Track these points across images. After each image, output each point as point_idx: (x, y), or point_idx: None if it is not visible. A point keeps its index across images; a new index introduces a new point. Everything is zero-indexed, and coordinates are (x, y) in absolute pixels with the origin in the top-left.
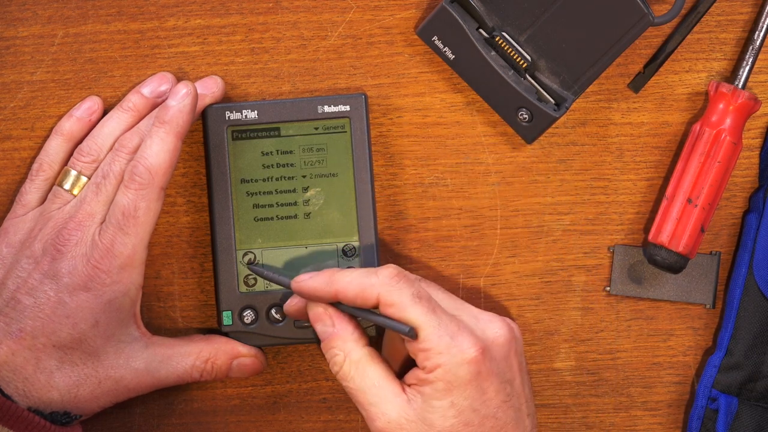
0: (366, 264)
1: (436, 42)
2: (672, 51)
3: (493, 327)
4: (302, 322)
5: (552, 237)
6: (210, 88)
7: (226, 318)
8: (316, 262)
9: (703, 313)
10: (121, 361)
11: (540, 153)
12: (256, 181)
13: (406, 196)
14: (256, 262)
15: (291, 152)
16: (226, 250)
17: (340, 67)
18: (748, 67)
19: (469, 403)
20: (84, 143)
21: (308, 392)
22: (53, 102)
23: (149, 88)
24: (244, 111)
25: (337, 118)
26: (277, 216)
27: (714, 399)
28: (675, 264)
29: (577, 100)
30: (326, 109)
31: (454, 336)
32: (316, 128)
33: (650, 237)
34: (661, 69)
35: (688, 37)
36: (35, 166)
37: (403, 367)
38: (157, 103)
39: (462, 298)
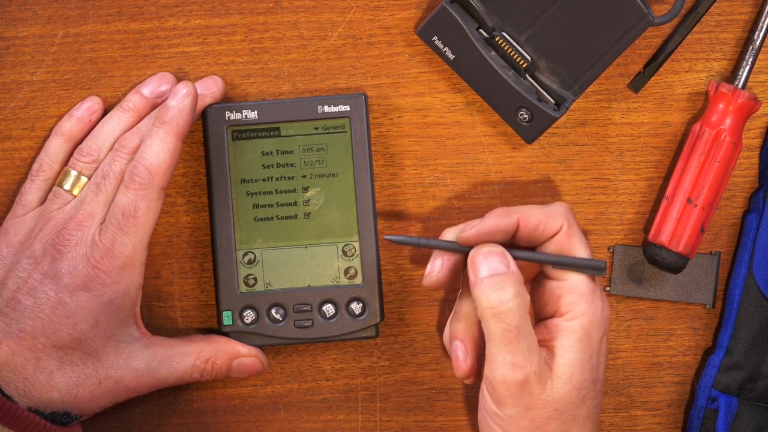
0: (366, 264)
1: (436, 42)
2: (672, 51)
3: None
4: (302, 321)
5: None
6: (210, 88)
7: (226, 318)
8: (316, 262)
9: (703, 313)
10: (121, 361)
11: (540, 153)
12: (256, 181)
13: (406, 196)
14: (256, 261)
15: (291, 152)
16: (226, 250)
17: (340, 67)
18: (748, 67)
19: (596, 361)
20: (84, 143)
21: (308, 392)
22: (53, 102)
23: (149, 88)
24: (244, 111)
25: (337, 118)
26: (277, 216)
27: (714, 399)
28: (675, 264)
29: (577, 100)
30: (326, 109)
31: (601, 292)
32: (316, 128)
33: (650, 237)
34: (661, 69)
35: (688, 37)
36: (35, 166)
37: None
38: (157, 103)
39: None
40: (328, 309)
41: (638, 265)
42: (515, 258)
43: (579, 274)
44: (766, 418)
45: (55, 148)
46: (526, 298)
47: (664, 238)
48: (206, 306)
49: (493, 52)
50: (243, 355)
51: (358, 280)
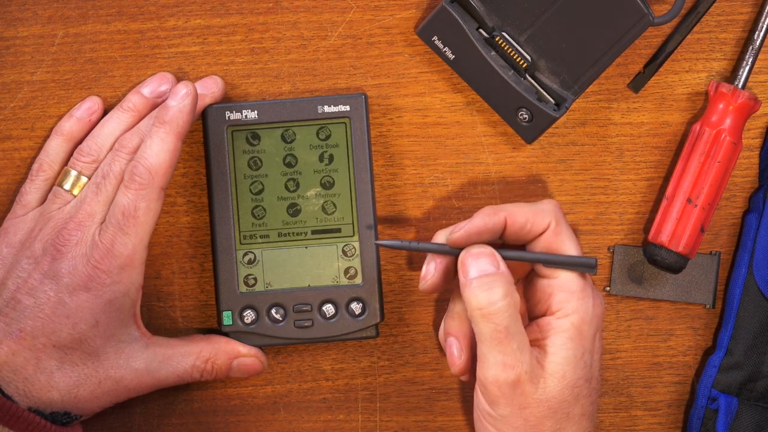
0: (366, 264)
1: (436, 42)
2: (672, 51)
3: (600, 294)
4: (302, 321)
5: None
6: (210, 88)
7: (226, 318)
8: (316, 262)
9: (703, 313)
10: (121, 361)
11: (540, 153)
12: (256, 181)
13: (406, 196)
14: (256, 261)
15: (291, 152)
16: (226, 250)
17: (340, 67)
18: (748, 67)
19: (589, 358)
20: (84, 143)
21: (308, 392)
22: (53, 102)
23: (149, 88)
24: (244, 111)
25: (337, 118)
26: (277, 216)
27: (714, 399)
28: (675, 264)
29: (577, 100)
30: (326, 109)
31: (591, 289)
32: (316, 128)
33: (650, 237)
34: (661, 69)
35: (688, 37)
36: (35, 166)
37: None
38: (157, 103)
39: None
40: (328, 309)
41: (638, 265)
42: (505, 258)
43: (569, 271)
44: (766, 418)
45: (55, 148)
46: (516, 297)
47: (664, 238)
48: (206, 306)
49: (493, 52)
50: (243, 355)
51: (358, 280)
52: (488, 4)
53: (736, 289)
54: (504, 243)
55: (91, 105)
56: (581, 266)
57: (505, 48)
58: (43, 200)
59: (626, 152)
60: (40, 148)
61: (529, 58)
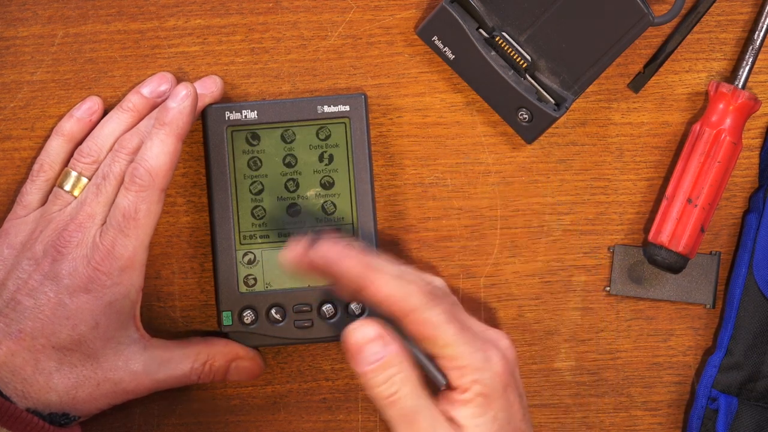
0: None
1: (436, 42)
2: (672, 51)
3: (503, 341)
4: (302, 321)
5: (552, 237)
6: (209, 88)
7: (226, 318)
8: None
9: (703, 313)
10: (120, 363)
11: (540, 153)
12: (256, 181)
13: (406, 196)
14: (256, 261)
15: (291, 152)
16: (226, 250)
17: (340, 67)
18: (748, 67)
19: (504, 415)
20: (84, 144)
21: (308, 392)
22: (53, 102)
23: (149, 88)
24: (244, 111)
25: (337, 118)
26: (277, 216)
27: (714, 399)
28: (675, 264)
29: (577, 100)
30: (326, 109)
31: (484, 351)
32: (316, 128)
33: (650, 237)
34: (661, 69)
35: (688, 37)
36: (36, 166)
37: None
38: (157, 103)
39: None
40: (328, 309)
41: (638, 265)
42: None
43: (456, 345)
44: (766, 418)
45: (55, 148)
46: (413, 374)
47: (664, 238)
48: (206, 306)
49: (493, 52)
50: (241, 356)
51: None
52: (488, 4)
53: (736, 289)
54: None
55: (91, 105)
56: (433, 377)
57: (505, 48)
58: (44, 201)
59: (626, 152)
60: (40, 148)
61: (529, 58)
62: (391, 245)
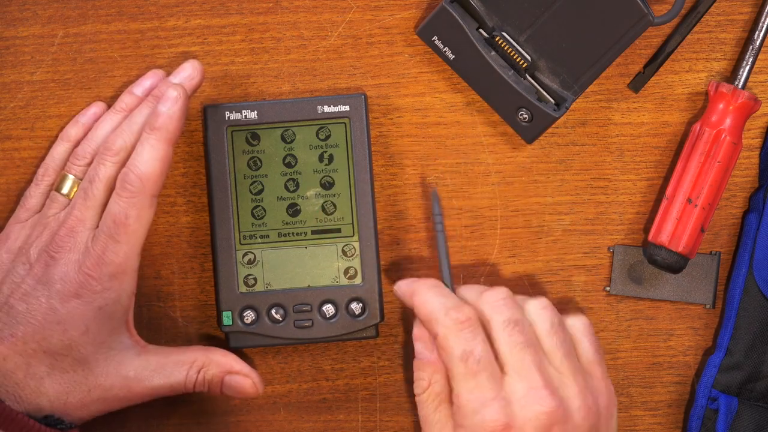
0: (366, 264)
1: (436, 42)
2: (672, 51)
3: (537, 407)
4: (302, 321)
5: (552, 237)
6: (190, 75)
7: (226, 318)
8: (315, 262)
9: (703, 313)
10: (111, 369)
11: (540, 153)
12: (256, 181)
13: (406, 196)
14: (255, 261)
15: (291, 152)
16: (226, 250)
17: (340, 67)
18: (748, 67)
19: None
20: (79, 147)
21: (308, 392)
22: (53, 102)
23: (141, 87)
24: (244, 111)
25: (337, 118)
26: (276, 216)
27: (714, 399)
28: (675, 264)
29: (577, 100)
30: (326, 109)
31: (483, 404)
32: (316, 128)
33: (650, 237)
34: (661, 69)
35: (688, 37)
36: (41, 171)
37: None
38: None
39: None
40: (328, 309)
41: (638, 265)
42: None
43: None
44: (766, 418)
45: (60, 153)
46: (438, 387)
47: (664, 238)
48: (206, 306)
49: (493, 52)
50: (236, 371)
51: (358, 280)
52: (488, 4)
53: (736, 289)
54: None
55: (96, 111)
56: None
57: (505, 48)
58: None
59: (626, 152)
60: (41, 148)
61: (529, 58)
62: (391, 245)
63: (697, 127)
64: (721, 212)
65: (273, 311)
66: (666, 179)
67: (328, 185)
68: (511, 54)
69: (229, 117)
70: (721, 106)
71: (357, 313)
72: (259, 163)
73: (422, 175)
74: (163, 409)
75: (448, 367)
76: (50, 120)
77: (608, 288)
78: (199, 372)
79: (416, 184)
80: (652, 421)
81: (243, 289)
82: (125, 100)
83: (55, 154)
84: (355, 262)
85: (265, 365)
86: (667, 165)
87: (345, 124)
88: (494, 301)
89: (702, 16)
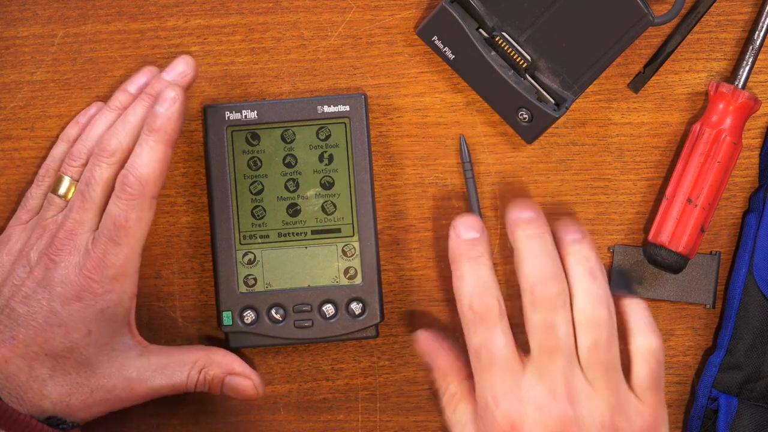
0: (366, 264)
1: (436, 42)
2: (672, 51)
3: (552, 412)
4: (302, 321)
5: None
6: (182, 72)
7: (226, 318)
8: (315, 262)
9: (703, 313)
10: (114, 370)
11: (540, 153)
12: (256, 181)
13: (406, 196)
14: (255, 261)
15: (291, 152)
16: (226, 250)
17: (340, 67)
18: (748, 67)
19: None
20: (74, 147)
21: (308, 392)
22: (53, 102)
23: (135, 84)
24: (244, 111)
25: (337, 118)
26: (276, 216)
27: (714, 399)
28: (675, 264)
29: (577, 100)
30: (326, 109)
31: (496, 400)
32: (316, 128)
33: (650, 237)
34: (661, 69)
35: (688, 37)
36: (41, 171)
37: None
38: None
39: None
40: (328, 309)
41: (638, 265)
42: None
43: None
44: (767, 418)
45: (60, 154)
46: (453, 387)
47: (664, 238)
48: (206, 306)
49: (493, 52)
50: (236, 372)
51: (358, 280)
52: (488, 4)
53: (736, 289)
54: None
55: (95, 111)
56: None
57: (505, 48)
58: None
59: (626, 152)
60: (41, 148)
61: (529, 58)
62: (391, 245)
63: (697, 127)
64: (721, 212)
65: (273, 311)
66: (666, 179)
67: (328, 185)
68: (511, 54)
69: (229, 117)
70: (721, 106)
71: (357, 313)
72: (259, 163)
73: (422, 174)
74: (163, 409)
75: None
76: (50, 120)
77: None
78: (200, 372)
79: (416, 184)
80: None
81: (243, 289)
82: (119, 98)
83: (55, 154)
84: (355, 262)
85: (265, 365)
86: (667, 165)
87: (345, 124)
88: (542, 292)
89: (702, 16)
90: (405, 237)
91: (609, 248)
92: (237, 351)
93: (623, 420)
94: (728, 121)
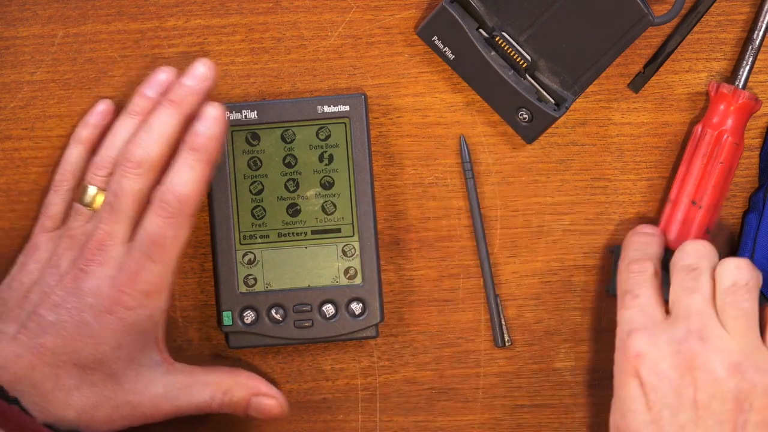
0: (366, 264)
1: (436, 42)
2: (672, 51)
3: (680, 347)
4: (302, 321)
5: (552, 237)
6: (202, 77)
7: (226, 318)
8: (315, 262)
9: None
10: (140, 386)
11: (540, 153)
12: (256, 181)
13: (406, 196)
14: (255, 261)
15: (291, 152)
16: (226, 250)
17: (340, 67)
18: (748, 67)
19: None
20: (97, 156)
21: (308, 392)
22: (53, 102)
23: (153, 88)
24: (244, 111)
25: (337, 118)
26: (276, 216)
27: None
28: None
29: (577, 100)
30: (326, 109)
31: (630, 333)
32: (316, 128)
33: None
34: (661, 69)
35: (688, 37)
36: (58, 177)
37: None
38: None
39: (462, 299)
40: (328, 309)
41: None
42: None
43: None
44: None
45: (75, 156)
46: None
47: (669, 240)
48: (206, 306)
49: (493, 52)
50: (263, 393)
51: (358, 280)
52: (488, 4)
53: None
54: None
55: (104, 109)
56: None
57: (505, 48)
58: (69, 210)
59: (626, 152)
60: (41, 148)
61: (529, 58)
62: (391, 245)
63: (698, 128)
64: (720, 212)
65: (273, 311)
66: (669, 180)
67: (328, 185)
68: (511, 54)
69: (229, 117)
70: (722, 107)
71: (357, 313)
72: (259, 163)
73: (422, 174)
74: None
75: None
76: (50, 120)
77: (608, 288)
78: (225, 394)
79: (416, 184)
80: None
81: (243, 289)
82: (138, 104)
83: (70, 158)
84: (355, 262)
85: (265, 365)
86: (667, 165)
87: (345, 124)
88: (685, 248)
89: (702, 16)
90: (405, 237)
91: (609, 248)
92: (237, 351)
93: (752, 369)
94: (730, 122)
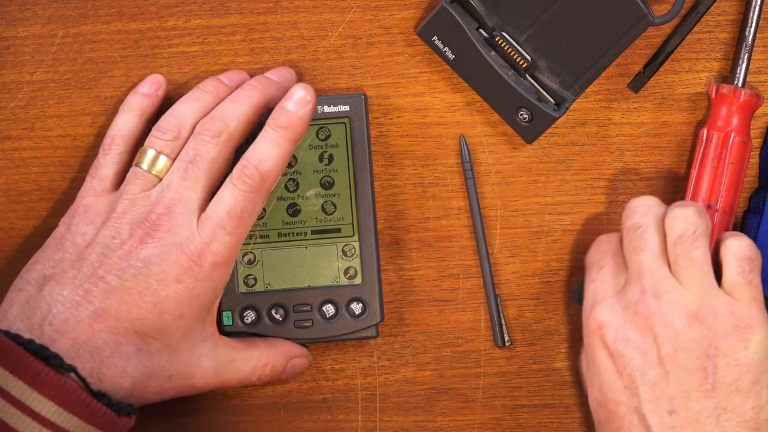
0: (366, 264)
1: (436, 42)
2: (672, 51)
3: (636, 308)
4: (302, 321)
5: (552, 237)
6: (301, 101)
7: (226, 318)
8: (315, 262)
9: None
10: (194, 358)
11: (540, 153)
12: None
13: (406, 196)
14: (255, 261)
15: None
16: None
17: (340, 67)
18: (744, 65)
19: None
20: (163, 120)
21: (308, 392)
22: (53, 102)
23: (228, 77)
24: None
25: (337, 118)
26: (276, 216)
27: None
28: None
29: (577, 100)
30: (326, 109)
31: (592, 306)
32: (316, 128)
33: None
34: (661, 69)
35: (688, 37)
36: (107, 140)
37: None
38: (232, 89)
39: (462, 299)
40: (328, 309)
41: None
42: None
43: None
44: None
45: (126, 122)
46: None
47: None
48: None
49: (493, 52)
50: (297, 355)
51: (358, 280)
52: (488, 4)
53: None
54: None
55: (156, 80)
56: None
57: (505, 48)
58: (119, 174)
59: (626, 152)
60: (41, 148)
61: (529, 58)
62: (391, 245)
63: (703, 132)
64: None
65: (273, 311)
66: (668, 181)
67: (328, 185)
68: (511, 54)
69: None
70: (724, 107)
71: (357, 313)
72: None
73: (422, 174)
74: (163, 408)
75: None
76: (50, 120)
77: (573, 296)
78: (266, 366)
79: (416, 184)
80: None
81: (243, 289)
82: (212, 84)
83: (120, 123)
84: (355, 262)
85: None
86: (667, 165)
87: (345, 124)
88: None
89: (702, 16)
90: (405, 237)
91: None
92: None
93: (710, 315)
94: (734, 121)
